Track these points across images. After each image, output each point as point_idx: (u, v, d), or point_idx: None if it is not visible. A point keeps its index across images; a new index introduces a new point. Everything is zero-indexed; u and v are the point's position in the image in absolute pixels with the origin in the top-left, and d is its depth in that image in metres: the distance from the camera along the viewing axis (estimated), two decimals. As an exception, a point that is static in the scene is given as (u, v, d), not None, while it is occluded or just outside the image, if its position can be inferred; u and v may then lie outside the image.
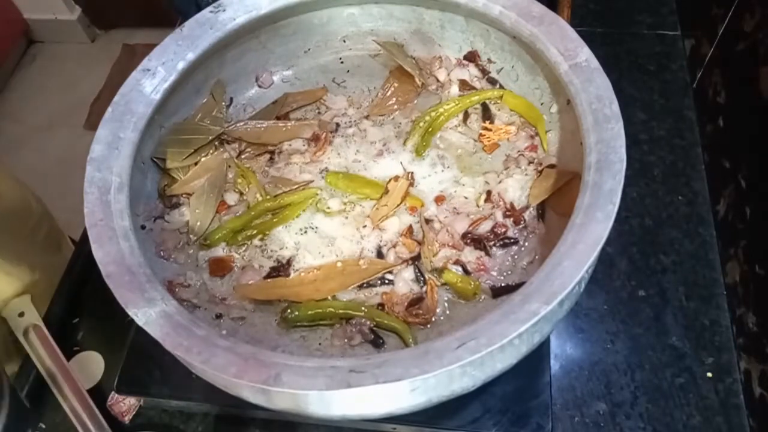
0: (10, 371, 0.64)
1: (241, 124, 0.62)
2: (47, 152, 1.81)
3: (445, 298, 0.52)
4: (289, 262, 0.55)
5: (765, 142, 0.58)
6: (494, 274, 0.52)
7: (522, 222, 0.54)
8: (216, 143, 0.61)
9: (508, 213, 0.55)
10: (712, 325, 0.61)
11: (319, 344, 0.50)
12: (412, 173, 0.58)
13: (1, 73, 2.01)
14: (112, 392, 0.59)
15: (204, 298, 0.53)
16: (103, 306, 0.65)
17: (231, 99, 0.64)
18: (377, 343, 0.50)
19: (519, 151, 0.58)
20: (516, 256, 0.53)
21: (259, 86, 0.66)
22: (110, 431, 0.55)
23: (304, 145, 0.61)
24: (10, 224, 0.70)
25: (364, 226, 0.56)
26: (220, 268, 0.55)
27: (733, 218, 0.63)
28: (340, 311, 0.51)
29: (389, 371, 0.37)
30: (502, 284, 0.51)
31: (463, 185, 0.57)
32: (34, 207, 0.76)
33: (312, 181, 0.59)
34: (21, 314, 0.63)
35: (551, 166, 0.56)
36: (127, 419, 0.58)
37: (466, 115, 0.61)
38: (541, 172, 0.56)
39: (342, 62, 0.67)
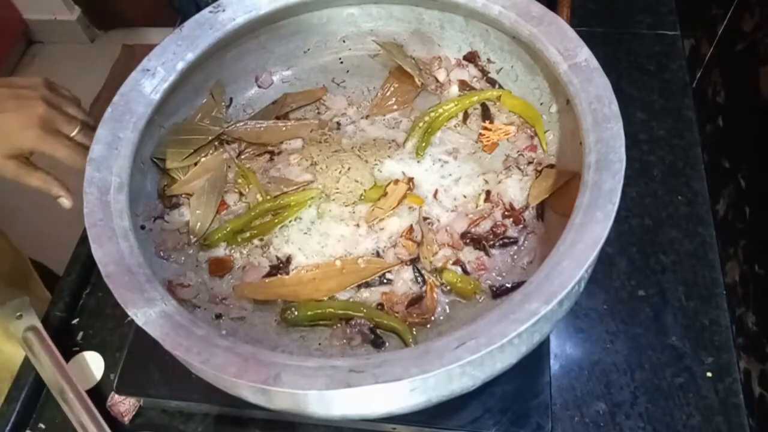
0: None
1: (241, 124, 0.62)
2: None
3: (445, 298, 0.52)
4: (288, 262, 0.54)
5: (765, 142, 0.58)
6: (494, 273, 0.52)
7: (521, 222, 0.54)
8: (216, 143, 0.61)
9: (507, 213, 0.55)
10: (712, 324, 0.61)
11: (319, 344, 0.50)
12: (412, 178, 0.58)
13: (0, 74, 2.01)
14: (112, 392, 0.59)
15: (204, 298, 0.53)
16: (103, 306, 0.67)
17: (231, 99, 0.64)
18: (377, 343, 0.50)
19: (519, 151, 0.58)
20: (515, 256, 0.53)
21: (259, 86, 0.66)
22: (110, 431, 0.56)
23: (304, 145, 0.61)
24: None
25: (357, 225, 0.56)
26: (220, 268, 0.55)
27: (733, 218, 0.63)
28: (340, 312, 0.51)
29: (389, 371, 0.37)
30: (502, 284, 0.51)
31: (463, 185, 0.57)
32: None
33: (312, 181, 0.59)
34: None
35: (551, 166, 0.56)
36: (126, 419, 0.58)
37: (466, 115, 0.61)
38: (540, 171, 0.56)
39: (342, 62, 0.67)
